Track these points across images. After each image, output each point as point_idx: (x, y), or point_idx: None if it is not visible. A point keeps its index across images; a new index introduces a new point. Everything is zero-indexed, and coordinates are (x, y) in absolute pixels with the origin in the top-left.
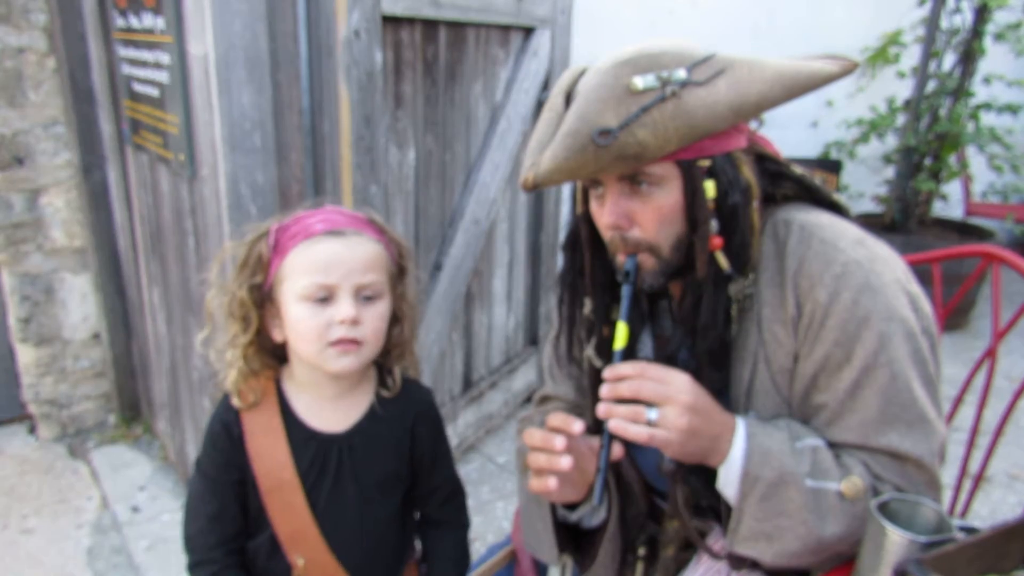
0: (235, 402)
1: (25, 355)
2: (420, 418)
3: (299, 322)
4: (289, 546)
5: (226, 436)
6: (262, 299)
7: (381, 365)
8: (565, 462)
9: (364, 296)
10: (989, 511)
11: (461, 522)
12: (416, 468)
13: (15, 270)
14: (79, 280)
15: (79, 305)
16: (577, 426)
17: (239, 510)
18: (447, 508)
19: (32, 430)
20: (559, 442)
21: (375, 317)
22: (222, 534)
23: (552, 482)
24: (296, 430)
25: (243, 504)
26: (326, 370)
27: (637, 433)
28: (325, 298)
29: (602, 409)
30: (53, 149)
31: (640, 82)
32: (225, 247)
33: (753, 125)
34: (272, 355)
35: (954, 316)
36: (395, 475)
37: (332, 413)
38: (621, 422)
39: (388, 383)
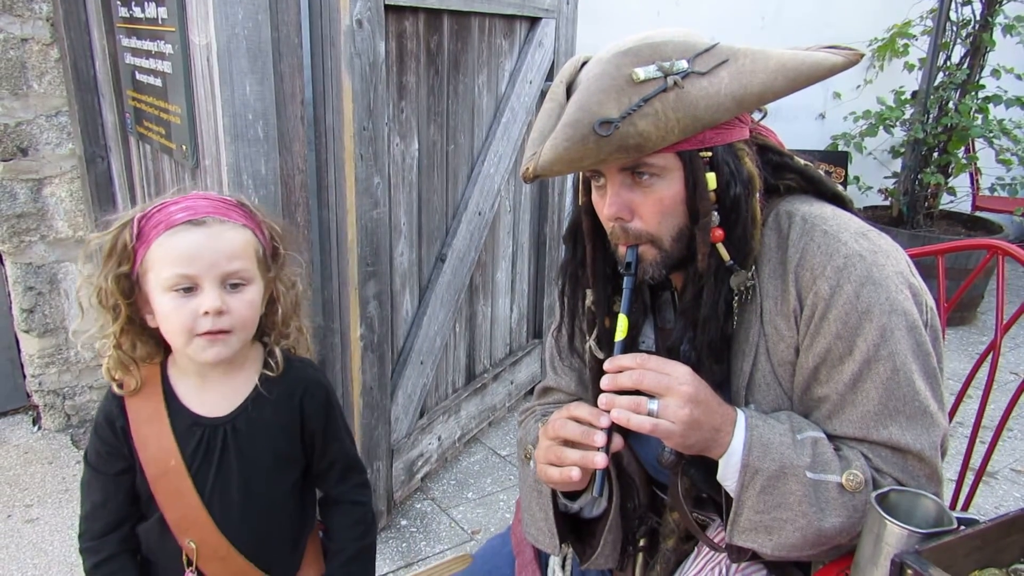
0: (115, 389)
1: (29, 345)
2: (307, 396)
3: (165, 315)
4: (178, 530)
5: (108, 427)
6: (131, 288)
7: (266, 345)
8: (600, 460)
9: (230, 284)
10: (993, 506)
11: (359, 499)
12: (308, 447)
13: (19, 260)
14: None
15: None
16: (604, 420)
17: (125, 498)
18: (343, 485)
19: (36, 420)
20: (599, 438)
21: (243, 305)
22: (107, 522)
23: (576, 473)
24: (180, 416)
25: (131, 491)
26: (196, 360)
27: (639, 423)
28: (189, 288)
29: (603, 400)
30: (56, 139)
31: (642, 72)
32: (89, 238)
33: (756, 116)
34: (155, 342)
35: (960, 311)
36: (284, 455)
37: (215, 397)
38: (623, 411)
39: (271, 365)
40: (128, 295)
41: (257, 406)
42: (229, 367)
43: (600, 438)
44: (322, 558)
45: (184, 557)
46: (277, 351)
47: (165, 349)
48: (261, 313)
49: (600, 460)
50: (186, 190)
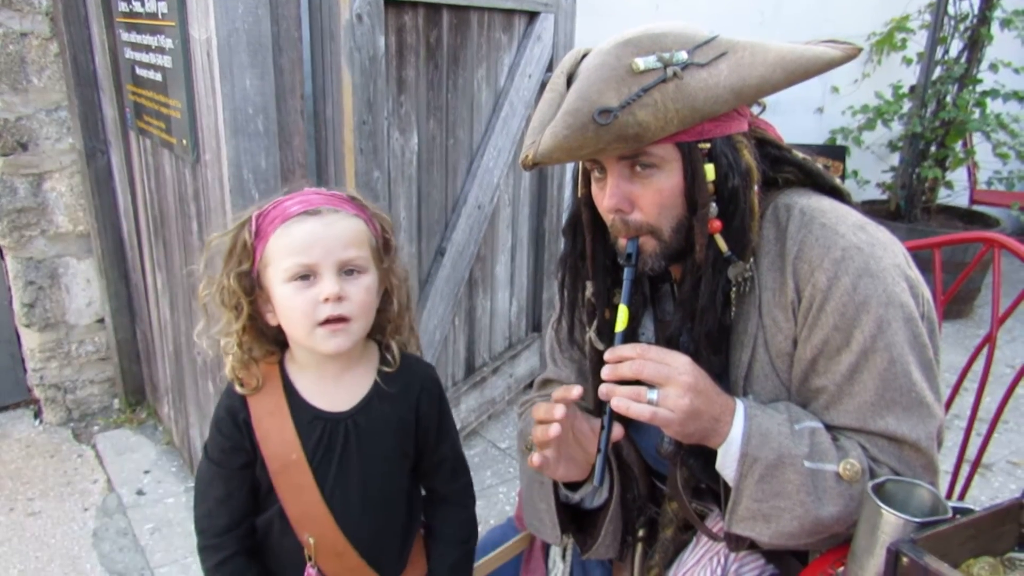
0: (237, 388)
1: (30, 340)
2: (424, 393)
3: (286, 304)
4: (299, 525)
5: (231, 422)
6: (252, 286)
7: (380, 342)
8: (553, 429)
9: (347, 271)
10: (989, 497)
11: (466, 501)
12: (421, 443)
13: (19, 255)
14: (83, 265)
15: (83, 290)
16: (576, 391)
17: (247, 494)
18: (452, 484)
19: (37, 414)
20: (558, 412)
21: (360, 291)
22: (230, 518)
23: (536, 458)
24: (301, 411)
25: (252, 487)
26: (318, 351)
27: (639, 411)
28: (308, 277)
29: (603, 389)
30: (56, 134)
31: (642, 63)
32: (210, 239)
33: (755, 109)
34: (273, 340)
35: (957, 304)
36: (401, 451)
37: (336, 392)
38: (623, 400)
39: (388, 359)
40: (249, 293)
41: (377, 401)
42: (347, 362)
43: (559, 412)
44: (424, 558)
45: (304, 553)
46: (394, 345)
47: (282, 346)
48: (376, 306)
49: (552, 430)
50: (299, 188)
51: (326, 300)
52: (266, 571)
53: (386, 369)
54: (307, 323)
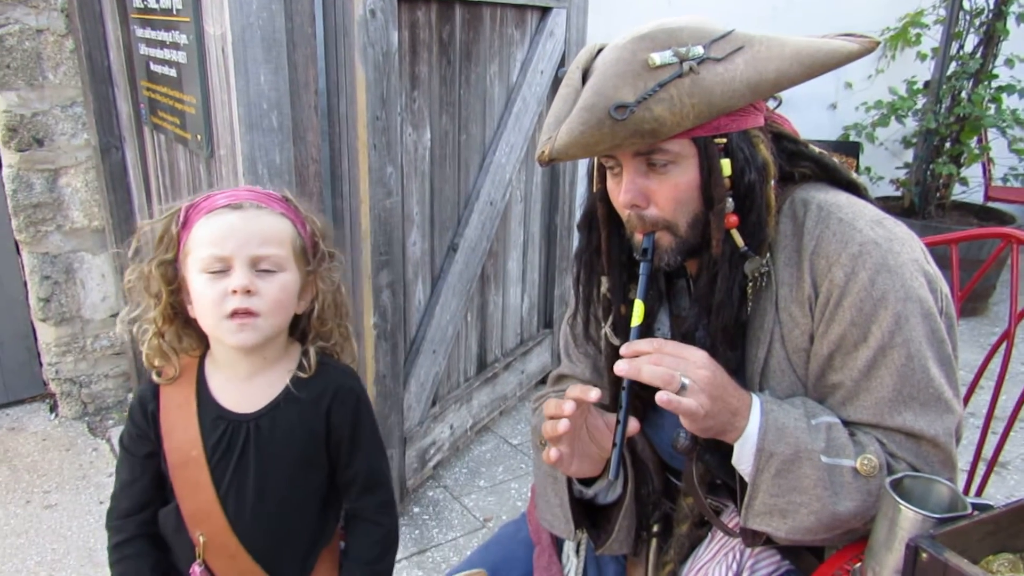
0: (154, 377)
1: (46, 334)
2: (336, 403)
3: (198, 294)
4: (191, 522)
5: (140, 410)
6: (174, 275)
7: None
8: (562, 425)
9: (262, 268)
10: (1005, 496)
11: (379, 519)
12: (333, 455)
13: (35, 250)
14: (98, 260)
15: (98, 285)
16: (593, 394)
17: (150, 481)
18: (365, 500)
19: (53, 408)
20: (568, 407)
21: (273, 288)
22: (131, 503)
23: (553, 453)
24: (208, 408)
25: (157, 475)
26: (226, 344)
27: (662, 375)
28: (222, 270)
29: (623, 365)
30: (72, 130)
31: (658, 57)
32: (140, 225)
33: (771, 104)
34: (199, 336)
35: (973, 301)
36: (306, 460)
37: (245, 393)
38: (652, 367)
39: (304, 365)
40: (170, 282)
41: (284, 407)
42: (261, 363)
43: (568, 407)
44: (336, 571)
45: (195, 549)
46: (311, 351)
47: (206, 343)
48: (303, 312)
49: (561, 426)
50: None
51: (234, 292)
52: (170, 563)
53: (300, 374)
54: (215, 314)
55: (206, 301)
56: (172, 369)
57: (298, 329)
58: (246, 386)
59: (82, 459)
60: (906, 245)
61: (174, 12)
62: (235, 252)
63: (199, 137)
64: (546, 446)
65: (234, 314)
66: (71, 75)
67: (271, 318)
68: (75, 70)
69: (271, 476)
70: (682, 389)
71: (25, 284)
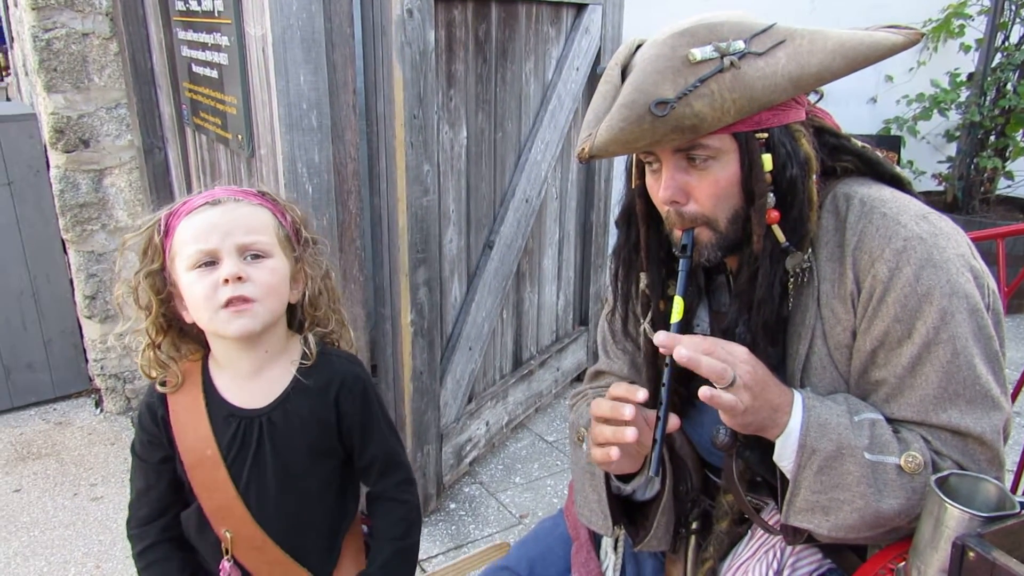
0: (157, 388)
1: (91, 331)
2: (343, 390)
3: (190, 291)
4: (215, 520)
5: (150, 416)
6: (163, 284)
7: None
8: (631, 433)
9: (250, 255)
10: None
11: (401, 497)
12: (346, 442)
13: (81, 249)
14: None
15: None
16: (641, 395)
17: (167, 486)
18: (385, 482)
19: (98, 403)
20: (628, 411)
21: (264, 272)
22: (150, 509)
23: (615, 452)
24: (217, 407)
25: (174, 480)
26: (224, 336)
27: (719, 369)
28: (211, 263)
29: (663, 336)
30: (116, 131)
31: (698, 53)
32: (123, 239)
33: (812, 98)
34: (197, 340)
35: (1019, 298)
36: (321, 448)
37: (252, 389)
38: (711, 360)
39: (306, 353)
40: (159, 291)
41: (294, 399)
42: (264, 358)
43: (628, 411)
44: (363, 554)
45: (222, 546)
46: (310, 338)
47: (206, 345)
48: (296, 301)
49: (630, 435)
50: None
51: (226, 282)
52: (196, 563)
53: (304, 363)
54: (210, 307)
55: (198, 296)
56: (174, 377)
57: (295, 321)
58: (252, 382)
59: (126, 453)
60: (952, 240)
61: (216, 14)
62: (221, 243)
63: (240, 137)
64: (583, 442)
65: (228, 303)
66: (115, 77)
67: (266, 302)
68: (119, 72)
69: (289, 467)
70: (730, 385)
71: (71, 282)
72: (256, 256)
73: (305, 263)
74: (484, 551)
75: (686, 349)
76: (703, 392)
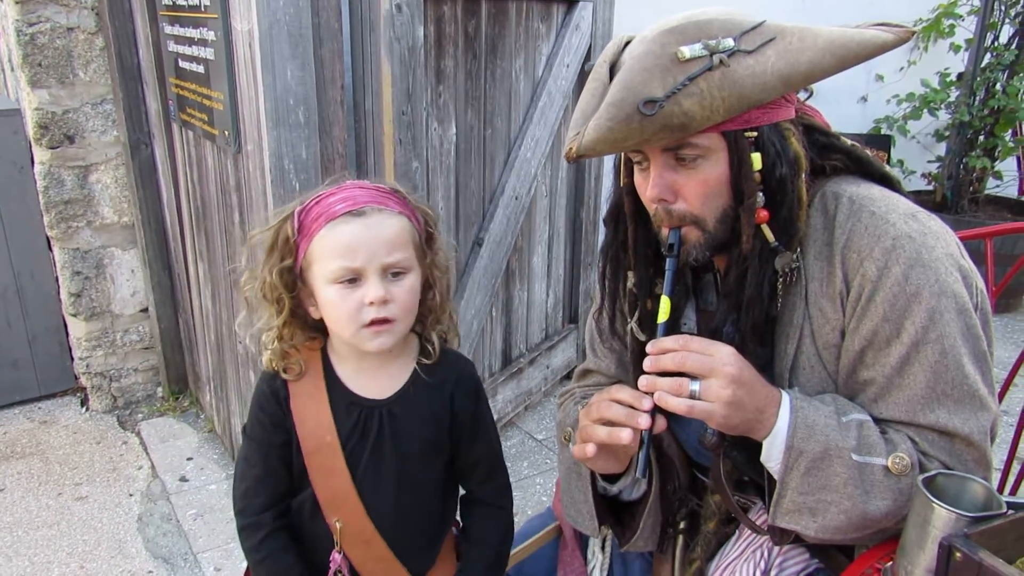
0: (282, 375)
1: (77, 329)
2: (459, 388)
3: (331, 306)
4: (328, 508)
5: (273, 399)
6: (294, 281)
7: (421, 334)
8: (626, 435)
9: (392, 273)
10: None
11: (501, 502)
12: (455, 439)
13: (66, 246)
14: (127, 255)
15: (128, 280)
16: (625, 435)
17: (286, 473)
18: (487, 485)
19: (84, 402)
20: (647, 403)
21: (405, 292)
22: (268, 496)
23: (591, 449)
24: (339, 395)
25: (289, 466)
26: (363, 349)
27: (678, 405)
28: (354, 280)
29: (644, 381)
30: (102, 127)
31: (687, 51)
32: (252, 234)
33: (802, 95)
34: (315, 327)
35: (1006, 297)
36: (434, 443)
37: (374, 380)
38: (664, 394)
39: (428, 351)
40: (291, 288)
41: (414, 392)
42: (387, 353)
43: (644, 420)
44: (454, 558)
45: (333, 538)
46: (434, 337)
47: (324, 332)
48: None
49: (626, 436)
50: (340, 180)
51: (371, 304)
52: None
53: (425, 360)
54: (353, 325)
55: (342, 313)
56: (297, 366)
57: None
58: (375, 374)
59: (112, 452)
60: (941, 239)
61: (202, 8)
62: (367, 263)
63: (227, 133)
64: (572, 441)
65: (371, 323)
66: (101, 73)
67: (405, 320)
68: (105, 68)
69: (405, 460)
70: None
71: (57, 279)
72: (397, 273)
73: (435, 266)
74: (543, 535)
75: (646, 380)
76: (678, 409)
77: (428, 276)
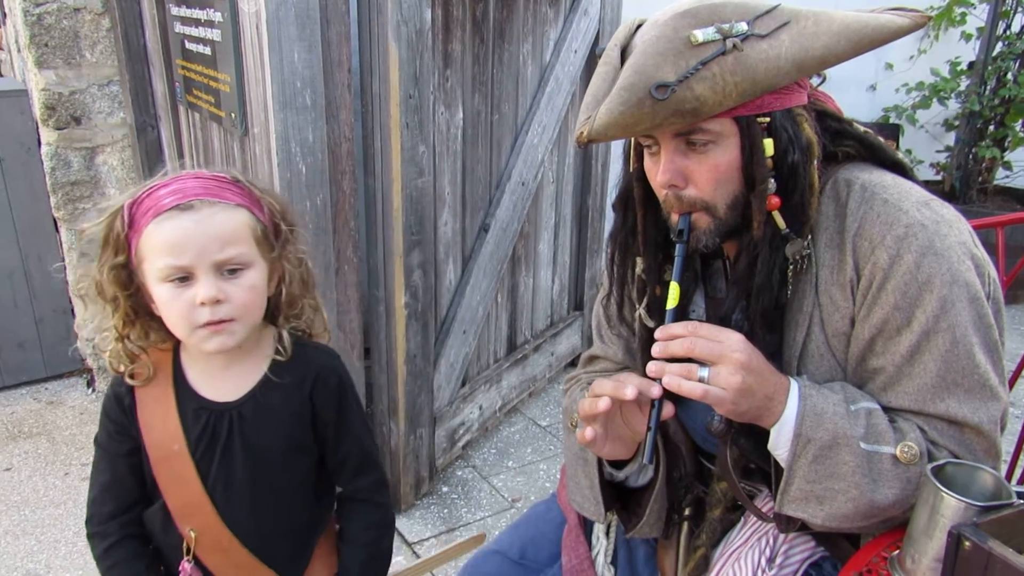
0: (126, 380)
1: (82, 311)
2: (319, 384)
3: (164, 305)
4: (180, 517)
5: (117, 406)
6: (129, 277)
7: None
8: (603, 402)
9: (228, 270)
10: None
11: (376, 500)
12: (321, 437)
13: (73, 227)
14: None
15: None
16: (630, 392)
17: (134, 481)
18: (358, 482)
19: (90, 383)
20: (656, 390)
21: (243, 290)
22: (115, 505)
23: (588, 432)
24: (187, 400)
25: (140, 473)
26: (202, 351)
27: (691, 388)
28: (185, 278)
29: (653, 367)
30: (108, 108)
31: (700, 34)
32: (82, 229)
33: (815, 81)
34: (167, 328)
35: (1016, 288)
36: (294, 445)
37: (224, 382)
38: (675, 377)
39: (280, 349)
40: (127, 286)
41: (266, 392)
42: (238, 353)
43: (656, 389)
44: (334, 557)
45: (184, 546)
46: (285, 335)
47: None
48: (270, 294)
49: (603, 403)
50: (177, 170)
51: (202, 304)
52: (155, 562)
53: (278, 358)
54: (186, 326)
55: (174, 313)
56: (144, 369)
57: (268, 311)
58: (224, 374)
59: None
60: (953, 227)
61: None
62: (195, 261)
63: (233, 115)
64: (578, 427)
65: (206, 324)
66: (108, 54)
67: (246, 319)
68: (112, 49)
69: (260, 464)
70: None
71: (63, 260)
72: (234, 270)
73: (285, 259)
74: (463, 543)
75: (654, 366)
76: (692, 393)
77: (278, 271)
